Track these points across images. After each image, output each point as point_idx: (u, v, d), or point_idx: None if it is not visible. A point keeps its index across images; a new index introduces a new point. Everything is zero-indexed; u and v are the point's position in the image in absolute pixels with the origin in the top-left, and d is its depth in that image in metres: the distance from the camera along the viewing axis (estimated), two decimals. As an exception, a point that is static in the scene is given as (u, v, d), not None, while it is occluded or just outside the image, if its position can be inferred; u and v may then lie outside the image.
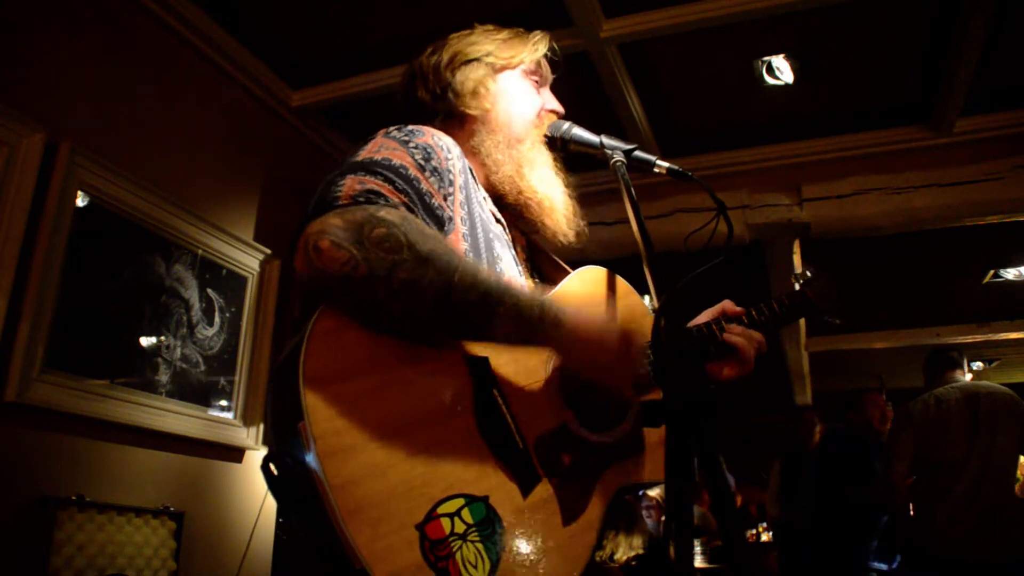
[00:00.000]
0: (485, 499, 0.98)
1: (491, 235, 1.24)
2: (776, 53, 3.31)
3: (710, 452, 0.86)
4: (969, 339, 6.44)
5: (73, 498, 2.37)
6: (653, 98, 3.66)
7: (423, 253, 0.97)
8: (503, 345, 1.10)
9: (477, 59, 1.37)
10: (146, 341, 2.75)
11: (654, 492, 5.90)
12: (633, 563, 4.35)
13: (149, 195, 2.77)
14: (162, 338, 2.81)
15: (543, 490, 1.06)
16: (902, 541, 3.80)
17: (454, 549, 0.92)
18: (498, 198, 1.36)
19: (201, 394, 2.97)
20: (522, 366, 1.12)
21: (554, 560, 1.02)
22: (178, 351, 2.87)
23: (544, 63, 1.44)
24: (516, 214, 1.37)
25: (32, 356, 2.29)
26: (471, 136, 1.35)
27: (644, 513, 5.39)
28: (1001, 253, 5.30)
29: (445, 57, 1.38)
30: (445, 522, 0.93)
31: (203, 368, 2.99)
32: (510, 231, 1.37)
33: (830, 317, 1.47)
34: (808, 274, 1.48)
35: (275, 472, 0.92)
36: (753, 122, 3.88)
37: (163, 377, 2.79)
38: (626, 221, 1.14)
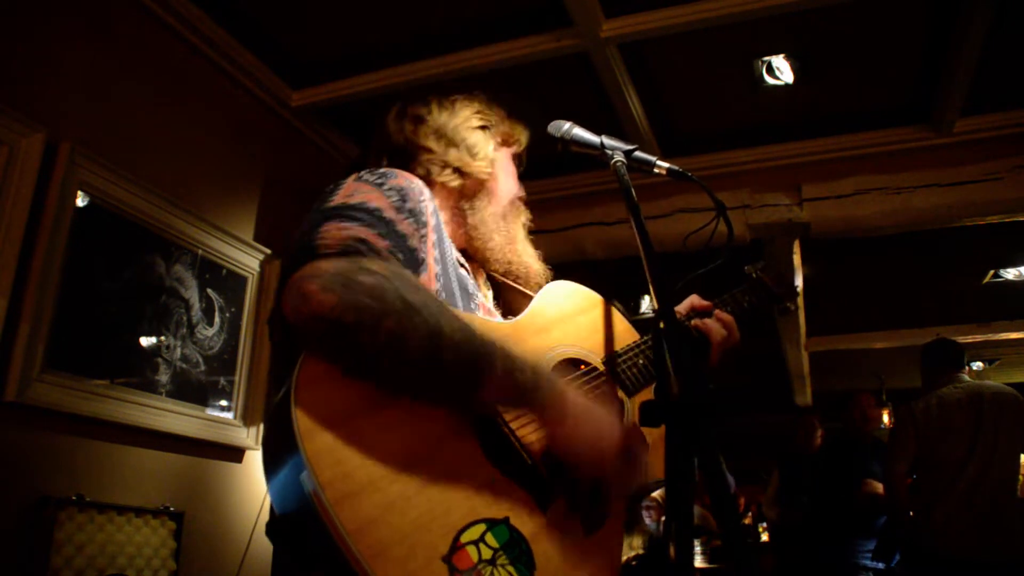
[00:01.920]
0: (505, 520, 0.97)
1: (462, 276, 1.27)
2: (776, 53, 3.30)
3: (710, 452, 0.85)
4: (969, 339, 6.41)
5: (73, 498, 2.37)
6: (653, 98, 3.65)
7: (413, 303, 0.95)
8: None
9: (486, 127, 1.41)
10: (146, 341, 2.75)
11: (654, 492, 5.89)
12: (633, 563, 4.35)
13: (149, 195, 2.77)
14: (162, 338, 2.80)
15: (560, 503, 1.04)
16: (901, 540, 3.79)
17: None
18: (463, 251, 1.38)
19: (201, 394, 2.97)
20: None
21: (588, 570, 1.01)
22: (178, 351, 2.87)
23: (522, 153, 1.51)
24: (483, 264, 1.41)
25: (32, 356, 2.29)
26: (470, 197, 1.37)
27: (644, 513, 5.39)
28: (1001, 253, 5.30)
29: (460, 117, 1.40)
30: (471, 550, 0.91)
31: (203, 368, 2.99)
32: (474, 273, 1.39)
33: (788, 302, 1.52)
34: (759, 264, 1.55)
35: (286, 533, 0.89)
36: (753, 122, 3.87)
37: (163, 377, 2.79)
38: (626, 221, 1.15)
